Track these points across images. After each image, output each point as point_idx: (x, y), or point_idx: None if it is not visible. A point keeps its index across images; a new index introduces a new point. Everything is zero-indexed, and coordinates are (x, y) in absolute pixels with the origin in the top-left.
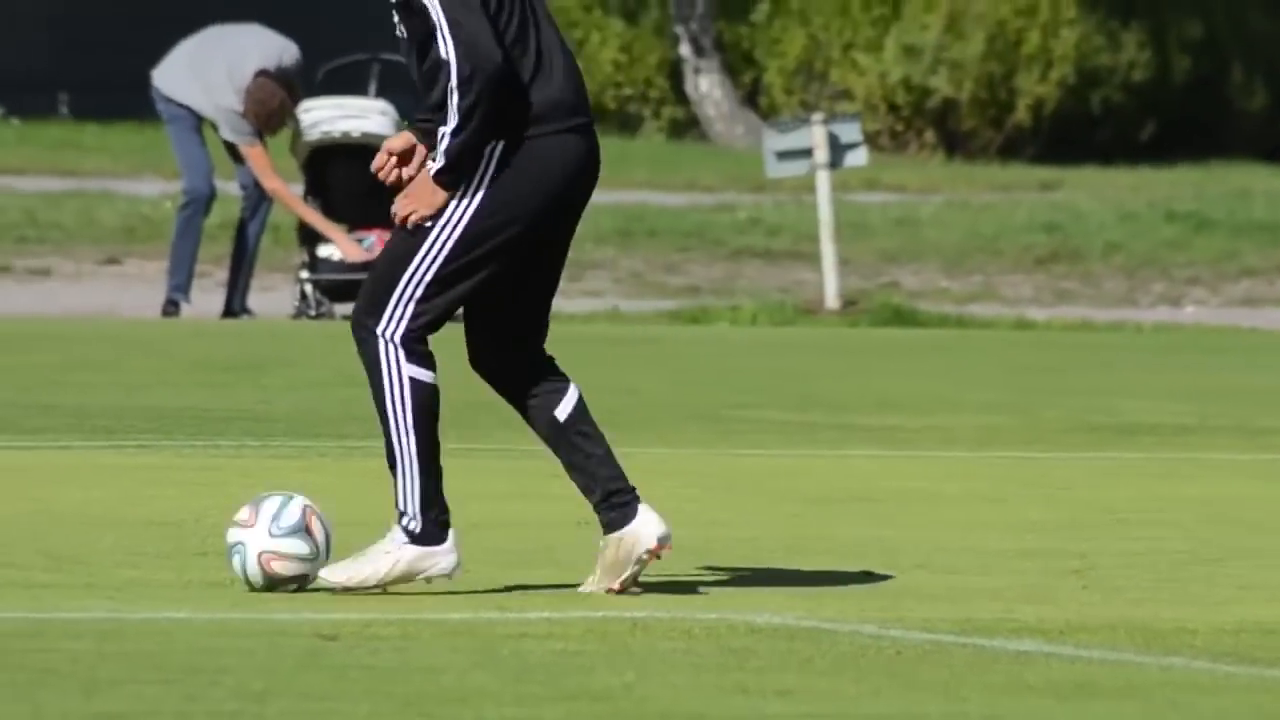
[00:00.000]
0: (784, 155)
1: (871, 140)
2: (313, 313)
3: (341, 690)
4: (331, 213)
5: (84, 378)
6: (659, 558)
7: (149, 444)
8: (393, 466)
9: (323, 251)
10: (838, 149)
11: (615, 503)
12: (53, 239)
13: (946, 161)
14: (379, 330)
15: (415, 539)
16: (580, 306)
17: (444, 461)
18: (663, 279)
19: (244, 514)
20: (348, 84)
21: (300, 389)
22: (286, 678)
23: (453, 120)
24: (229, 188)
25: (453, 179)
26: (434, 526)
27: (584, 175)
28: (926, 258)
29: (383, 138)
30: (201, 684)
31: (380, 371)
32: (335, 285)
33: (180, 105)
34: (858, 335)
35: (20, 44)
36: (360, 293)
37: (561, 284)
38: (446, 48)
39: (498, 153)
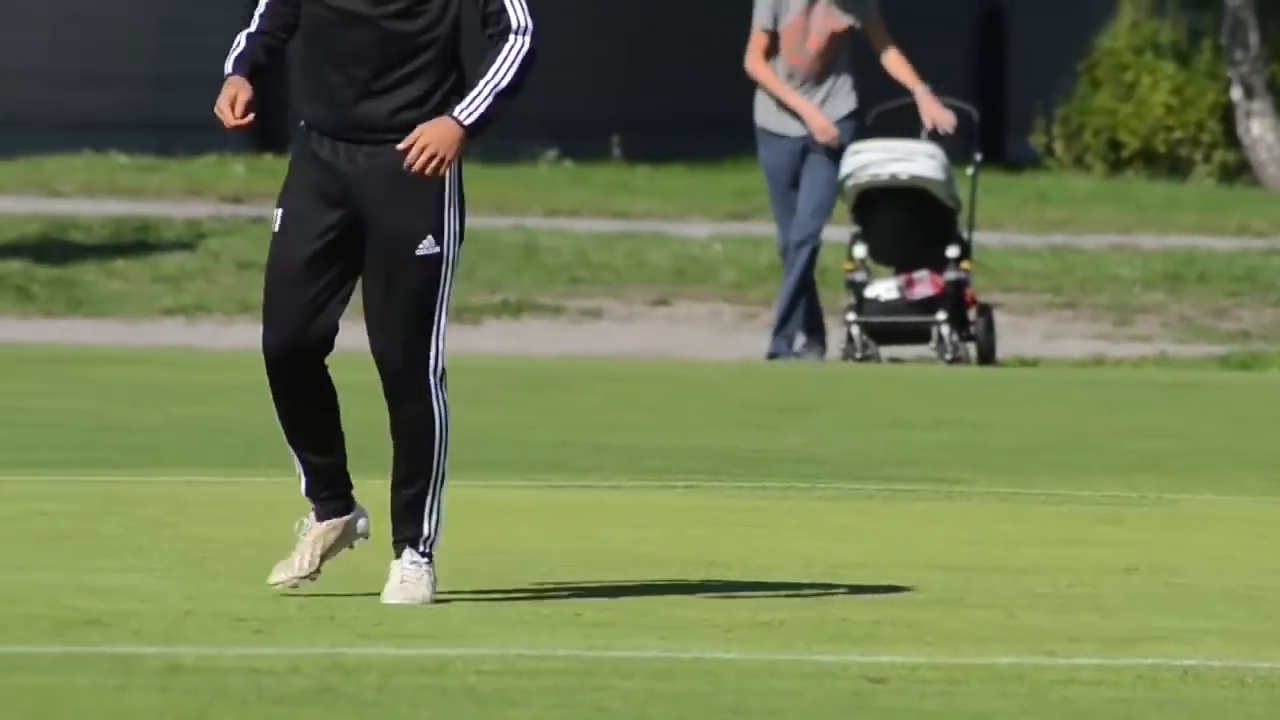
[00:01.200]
0: None
1: None
2: (859, 355)
3: None
4: (878, 254)
5: (634, 418)
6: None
7: (698, 484)
8: (420, 497)
9: (869, 293)
10: None
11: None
12: (604, 280)
13: None
14: (432, 376)
15: (430, 560)
16: (1128, 351)
17: (986, 505)
18: (1212, 324)
19: None
20: (898, 127)
21: (847, 431)
22: None
23: (508, 76)
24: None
25: (477, 136)
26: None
27: None
28: None
29: (931, 180)
30: None
31: (436, 417)
32: (882, 327)
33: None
34: None
35: (575, 88)
36: (391, 348)
37: (1109, 328)
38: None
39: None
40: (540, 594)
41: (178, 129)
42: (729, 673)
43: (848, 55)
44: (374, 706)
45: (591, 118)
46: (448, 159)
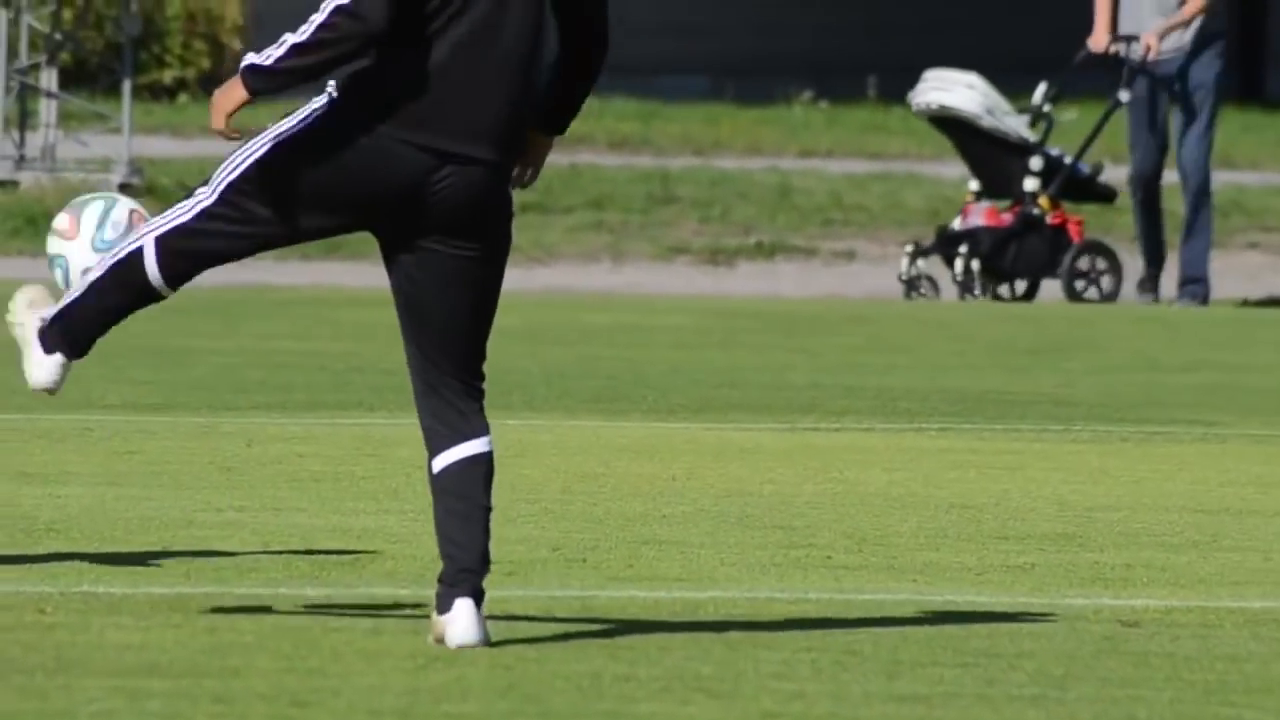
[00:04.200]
0: None
1: None
2: (920, 290)
3: (1142, 677)
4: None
5: (886, 360)
6: None
7: (950, 426)
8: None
9: (953, 225)
10: None
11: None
12: (858, 221)
13: None
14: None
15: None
16: None
17: (1241, 448)
18: None
19: (63, 222)
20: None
21: (1101, 373)
22: (1087, 663)
23: (305, 36)
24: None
25: (261, 86)
26: (57, 338)
27: (422, 197)
28: None
29: (960, 111)
30: (1001, 668)
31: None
32: (943, 258)
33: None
34: None
35: (832, 27)
36: None
37: None
38: None
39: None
40: (791, 537)
41: None
42: (980, 616)
43: None
44: (625, 649)
45: (847, 58)
46: (219, 108)
